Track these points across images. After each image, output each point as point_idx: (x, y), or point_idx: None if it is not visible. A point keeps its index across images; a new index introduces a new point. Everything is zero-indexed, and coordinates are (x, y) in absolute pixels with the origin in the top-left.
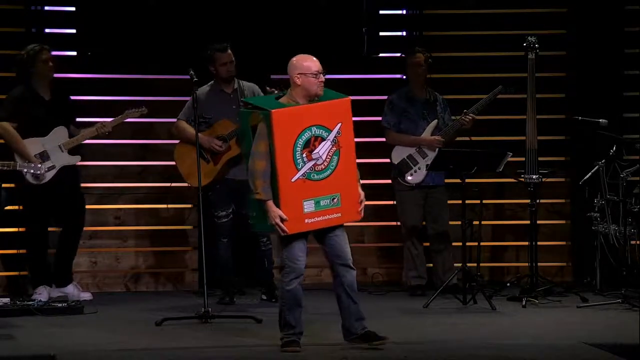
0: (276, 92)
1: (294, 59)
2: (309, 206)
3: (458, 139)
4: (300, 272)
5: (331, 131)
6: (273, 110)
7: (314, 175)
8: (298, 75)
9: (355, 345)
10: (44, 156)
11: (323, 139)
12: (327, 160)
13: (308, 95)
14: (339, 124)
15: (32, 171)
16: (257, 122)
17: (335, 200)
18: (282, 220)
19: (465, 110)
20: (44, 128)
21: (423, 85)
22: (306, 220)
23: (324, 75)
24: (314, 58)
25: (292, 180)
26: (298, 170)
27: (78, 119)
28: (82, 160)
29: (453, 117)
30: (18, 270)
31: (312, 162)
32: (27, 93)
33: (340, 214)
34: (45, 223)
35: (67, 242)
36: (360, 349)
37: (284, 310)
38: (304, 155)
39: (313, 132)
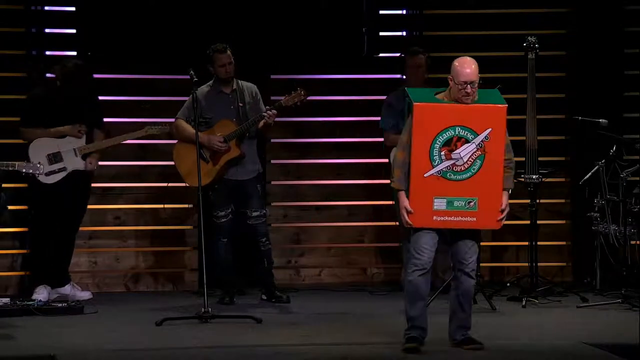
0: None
1: (456, 60)
2: (439, 204)
3: None
4: (423, 265)
5: (478, 135)
6: (415, 104)
7: (450, 175)
8: (450, 77)
9: (355, 344)
10: (56, 157)
11: (467, 141)
12: (469, 162)
13: (455, 99)
14: (489, 130)
15: (31, 171)
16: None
17: (471, 203)
18: (407, 212)
19: None
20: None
21: (421, 86)
22: (434, 217)
23: (472, 87)
24: (471, 66)
25: (425, 175)
26: (433, 166)
27: None
28: None
29: None
30: (21, 270)
31: (450, 162)
32: (49, 94)
33: (475, 219)
34: (52, 223)
35: (65, 243)
36: (359, 347)
37: (405, 304)
38: (443, 153)
39: (457, 132)
